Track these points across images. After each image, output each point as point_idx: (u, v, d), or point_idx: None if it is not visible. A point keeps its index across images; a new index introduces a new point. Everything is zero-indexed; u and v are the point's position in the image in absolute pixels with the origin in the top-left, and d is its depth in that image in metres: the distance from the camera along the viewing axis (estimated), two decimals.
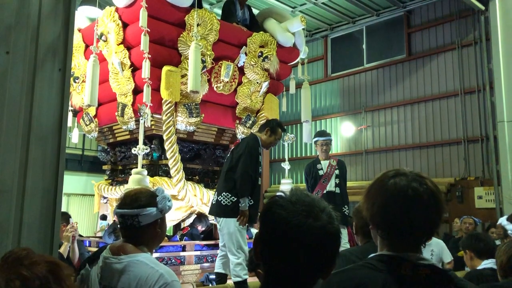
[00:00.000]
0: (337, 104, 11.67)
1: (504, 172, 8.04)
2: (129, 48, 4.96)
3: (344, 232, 5.06)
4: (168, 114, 4.92)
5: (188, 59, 4.72)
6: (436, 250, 4.73)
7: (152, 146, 5.19)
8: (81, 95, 5.47)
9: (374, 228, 1.36)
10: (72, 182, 10.57)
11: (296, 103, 11.52)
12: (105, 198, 5.78)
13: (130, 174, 4.63)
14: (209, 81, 5.26)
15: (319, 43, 12.12)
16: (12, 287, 1.01)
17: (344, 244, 4.87)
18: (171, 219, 5.16)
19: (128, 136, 5.43)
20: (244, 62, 5.52)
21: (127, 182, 4.70)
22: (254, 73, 5.57)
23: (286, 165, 6.46)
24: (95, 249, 3.65)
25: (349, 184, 6.09)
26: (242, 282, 3.97)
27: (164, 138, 4.95)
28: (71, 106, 5.72)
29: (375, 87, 10.91)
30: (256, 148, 4.26)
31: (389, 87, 10.64)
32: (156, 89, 4.77)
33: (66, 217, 3.99)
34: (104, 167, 5.97)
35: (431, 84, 9.92)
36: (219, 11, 6.66)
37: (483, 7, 8.72)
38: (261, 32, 5.68)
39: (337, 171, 5.45)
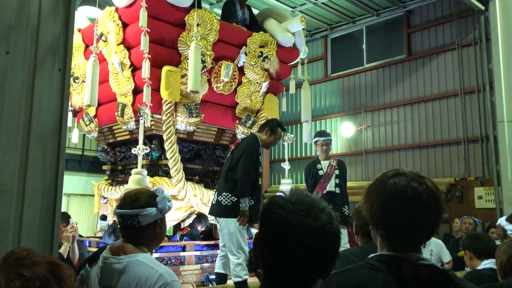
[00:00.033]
0: (337, 104, 11.67)
1: (504, 172, 8.05)
2: (129, 48, 4.96)
3: (344, 232, 5.06)
4: (168, 114, 4.92)
5: (188, 59, 4.72)
6: (435, 250, 4.73)
7: (152, 146, 5.19)
8: (81, 95, 5.47)
9: (374, 228, 1.36)
10: (72, 182, 10.58)
11: (296, 103, 11.52)
12: (105, 198, 5.78)
13: (130, 174, 4.63)
14: (209, 81, 5.26)
15: (319, 43, 12.12)
16: (13, 287, 1.01)
17: (344, 244, 4.87)
18: (171, 219, 5.16)
19: (128, 136, 5.43)
20: (244, 62, 5.53)
21: (127, 182, 4.71)
22: (254, 73, 5.57)
23: (286, 165, 6.46)
24: (95, 249, 3.64)
25: (349, 184, 6.09)
26: (242, 282, 3.97)
27: (164, 138, 4.95)
28: (71, 106, 5.72)
29: (375, 87, 10.91)
30: (256, 148, 4.26)
31: (389, 87, 10.65)
32: (156, 89, 4.77)
33: (66, 217, 4.00)
34: (104, 167, 5.97)
35: (431, 84, 9.92)
36: (219, 11, 6.66)
37: (483, 7, 8.72)
38: (261, 32, 5.68)
39: (337, 171, 5.45)
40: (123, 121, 5.13)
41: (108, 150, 5.93)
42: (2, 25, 2.02)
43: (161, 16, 4.88)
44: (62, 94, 2.18)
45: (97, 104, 4.77)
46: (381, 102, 10.72)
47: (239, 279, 3.96)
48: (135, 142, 4.91)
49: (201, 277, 4.77)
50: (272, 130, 4.45)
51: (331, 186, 5.39)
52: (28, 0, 2.11)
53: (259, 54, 5.52)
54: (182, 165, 5.00)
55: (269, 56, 5.56)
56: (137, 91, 4.96)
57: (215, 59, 5.18)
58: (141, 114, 4.43)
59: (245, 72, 5.60)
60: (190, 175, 5.35)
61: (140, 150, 4.51)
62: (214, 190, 4.68)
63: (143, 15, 4.44)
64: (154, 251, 2.11)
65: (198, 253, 4.96)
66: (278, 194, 1.15)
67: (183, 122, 5.14)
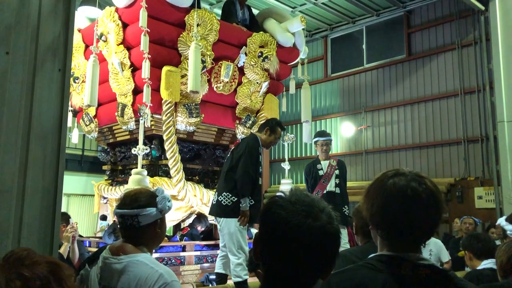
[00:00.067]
0: (337, 104, 11.67)
1: (504, 172, 8.05)
2: (129, 48, 4.96)
3: (344, 232, 5.06)
4: (168, 114, 4.92)
5: (188, 59, 4.72)
6: (434, 250, 4.74)
7: (152, 146, 5.19)
8: (81, 95, 5.47)
9: (374, 228, 1.36)
10: (72, 182, 10.58)
11: (296, 103, 11.52)
12: (105, 198, 5.78)
13: (130, 174, 4.63)
14: (209, 81, 5.26)
15: (319, 43, 12.12)
16: (13, 287, 1.01)
17: (344, 244, 4.87)
18: (171, 219, 5.16)
19: (128, 136, 5.43)
20: (244, 62, 5.52)
21: (127, 182, 4.70)
22: (254, 73, 5.57)
23: (286, 165, 6.46)
24: (95, 249, 3.64)
25: (349, 184, 6.10)
26: (243, 283, 3.97)
27: (164, 138, 4.95)
28: (71, 106, 5.72)
29: (375, 87, 10.91)
30: (256, 148, 4.26)
31: (389, 87, 10.65)
32: (156, 89, 4.77)
33: (66, 217, 3.99)
34: (104, 167, 5.97)
35: (431, 84, 9.92)
36: (219, 11, 6.66)
37: (483, 7, 8.72)
38: (261, 32, 5.68)
39: (337, 171, 5.46)
40: (123, 121, 5.13)
41: (108, 150, 5.93)
42: (2, 25, 2.02)
43: (161, 16, 4.88)
44: (62, 94, 2.18)
45: (97, 104, 4.76)
46: (381, 102, 10.72)
47: (239, 279, 3.96)
48: (135, 142, 4.91)
49: (201, 277, 4.77)
50: (271, 130, 4.46)
51: (331, 186, 5.39)
52: (28, 0, 2.11)
53: (259, 54, 5.52)
54: (182, 165, 5.00)
55: (269, 56, 5.56)
56: (137, 91, 4.96)
57: (215, 59, 5.18)
58: (141, 114, 4.43)
59: (245, 72, 5.59)
60: (190, 175, 5.35)
61: (140, 150, 4.51)
62: (214, 190, 4.68)
63: (143, 15, 4.44)
64: (154, 251, 2.11)
65: (198, 253, 4.96)
66: (278, 194, 1.15)
67: (183, 122, 5.14)
